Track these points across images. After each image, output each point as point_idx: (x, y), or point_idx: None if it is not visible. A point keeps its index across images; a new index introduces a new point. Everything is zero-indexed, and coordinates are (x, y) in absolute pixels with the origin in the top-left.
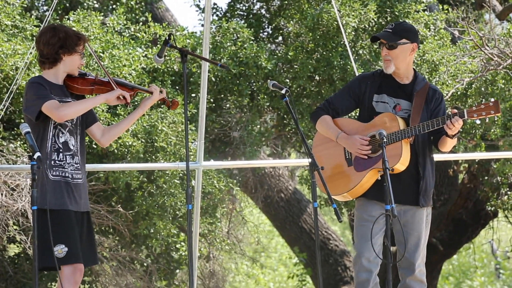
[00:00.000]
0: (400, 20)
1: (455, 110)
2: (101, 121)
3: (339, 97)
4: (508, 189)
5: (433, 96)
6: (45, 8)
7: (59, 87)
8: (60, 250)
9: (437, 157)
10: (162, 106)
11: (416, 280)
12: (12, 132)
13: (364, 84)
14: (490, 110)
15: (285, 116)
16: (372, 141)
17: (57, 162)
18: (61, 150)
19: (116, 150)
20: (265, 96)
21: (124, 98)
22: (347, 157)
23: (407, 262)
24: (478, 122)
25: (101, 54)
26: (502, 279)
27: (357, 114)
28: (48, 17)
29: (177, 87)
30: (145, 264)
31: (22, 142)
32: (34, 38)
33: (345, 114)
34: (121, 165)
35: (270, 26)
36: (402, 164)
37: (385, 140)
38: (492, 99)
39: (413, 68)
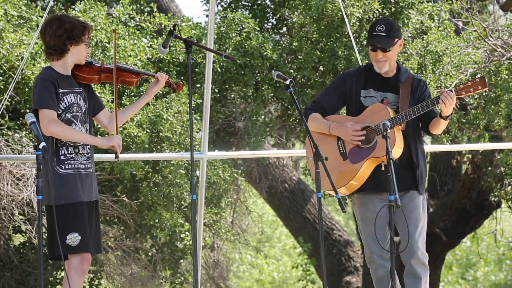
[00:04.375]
0: (384, 17)
1: (444, 90)
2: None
3: (326, 96)
4: (511, 179)
5: (417, 85)
6: None
7: (68, 78)
8: (73, 238)
9: (440, 147)
10: (167, 96)
11: (419, 263)
12: (18, 122)
13: (350, 81)
14: (478, 85)
15: (289, 106)
16: (365, 130)
17: (67, 156)
18: (69, 143)
19: None
20: (270, 87)
21: (115, 150)
22: (342, 151)
23: (408, 245)
24: (467, 99)
25: (107, 44)
26: (506, 270)
27: (345, 112)
28: (48, 6)
29: (182, 78)
30: (149, 253)
31: (27, 132)
32: (39, 28)
33: (333, 113)
34: (126, 155)
35: (274, 17)
36: (396, 152)
37: (389, 130)
38: (479, 75)
39: (396, 61)
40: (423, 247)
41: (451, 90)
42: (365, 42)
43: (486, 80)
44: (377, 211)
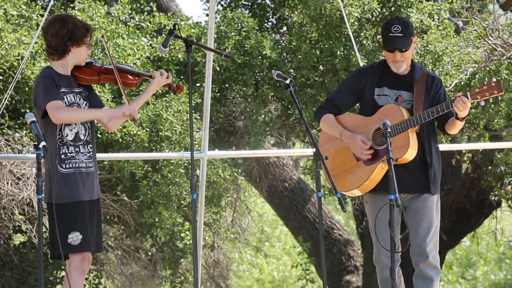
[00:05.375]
0: (399, 15)
1: (459, 95)
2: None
3: (340, 94)
4: (511, 179)
5: (432, 82)
6: None
7: (67, 78)
8: (75, 237)
9: (440, 146)
10: (167, 95)
11: (430, 265)
12: (18, 121)
13: (364, 78)
14: (493, 90)
15: (289, 106)
16: (376, 134)
17: (68, 155)
18: (70, 143)
19: (120, 139)
20: (270, 86)
21: (132, 116)
22: None
23: (419, 248)
24: (482, 103)
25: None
26: (506, 269)
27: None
28: (49, 6)
29: (181, 77)
30: (149, 253)
31: (27, 131)
32: (40, 27)
33: (346, 110)
34: (126, 155)
35: (274, 16)
36: (410, 154)
37: (389, 130)
38: (494, 79)
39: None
40: (435, 250)
41: (465, 95)
42: (364, 42)
43: (502, 84)
44: (389, 212)
